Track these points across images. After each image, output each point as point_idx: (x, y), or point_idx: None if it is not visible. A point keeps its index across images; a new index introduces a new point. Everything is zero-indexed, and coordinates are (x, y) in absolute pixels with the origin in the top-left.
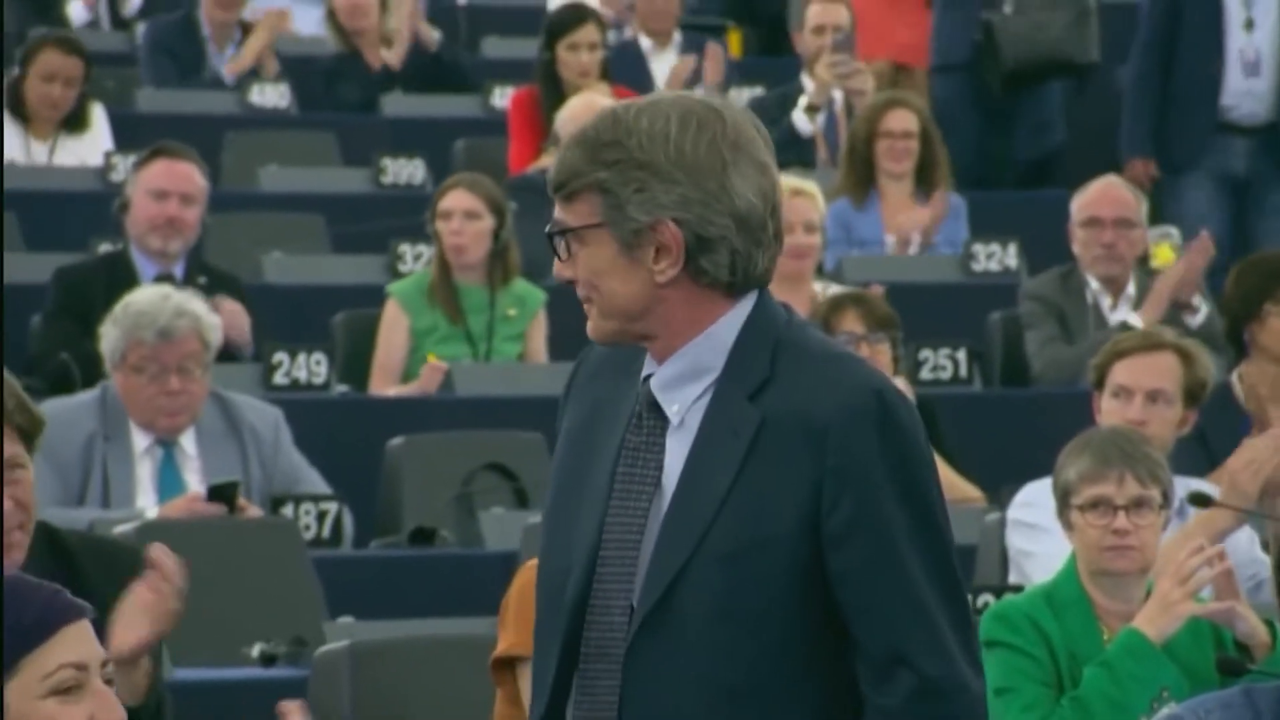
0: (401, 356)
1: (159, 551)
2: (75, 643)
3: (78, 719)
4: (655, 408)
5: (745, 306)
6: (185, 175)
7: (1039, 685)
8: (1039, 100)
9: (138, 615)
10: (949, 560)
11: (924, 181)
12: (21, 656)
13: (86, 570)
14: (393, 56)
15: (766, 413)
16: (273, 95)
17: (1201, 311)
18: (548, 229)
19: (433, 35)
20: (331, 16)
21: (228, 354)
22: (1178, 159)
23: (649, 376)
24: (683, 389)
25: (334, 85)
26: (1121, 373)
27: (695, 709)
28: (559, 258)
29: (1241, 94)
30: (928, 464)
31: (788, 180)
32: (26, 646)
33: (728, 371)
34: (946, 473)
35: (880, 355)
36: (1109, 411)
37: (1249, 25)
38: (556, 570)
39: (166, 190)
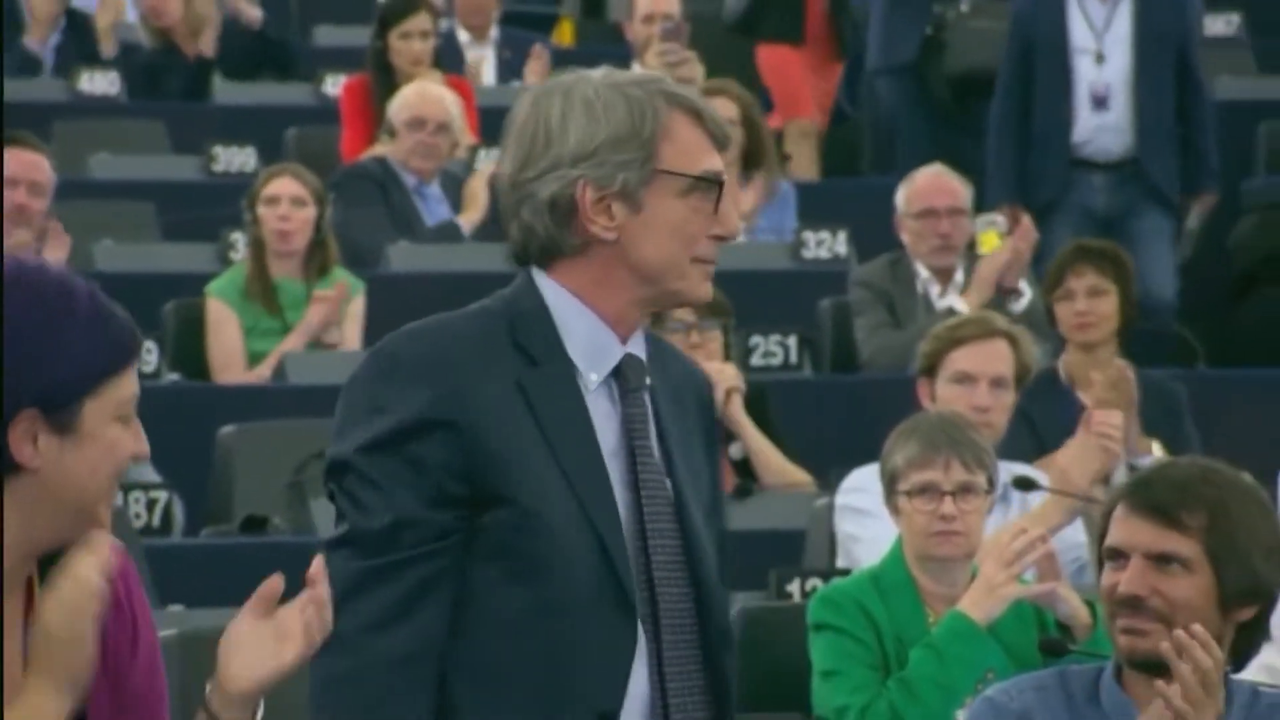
0: (239, 348)
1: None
2: (135, 375)
3: (130, 448)
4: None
5: None
6: (34, 164)
7: (865, 668)
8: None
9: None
10: None
11: (749, 167)
12: (108, 378)
13: None
14: (206, 43)
15: (671, 380)
16: (102, 83)
17: (1025, 296)
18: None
19: (255, 14)
20: (142, 14)
21: None
22: (1041, 198)
23: (626, 354)
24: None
25: (157, 78)
26: (962, 359)
27: (732, 664)
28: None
29: (1093, 129)
30: None
31: None
32: (114, 369)
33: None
34: (777, 458)
35: (711, 343)
36: (951, 398)
37: (1099, 58)
38: (581, 561)
39: (15, 178)
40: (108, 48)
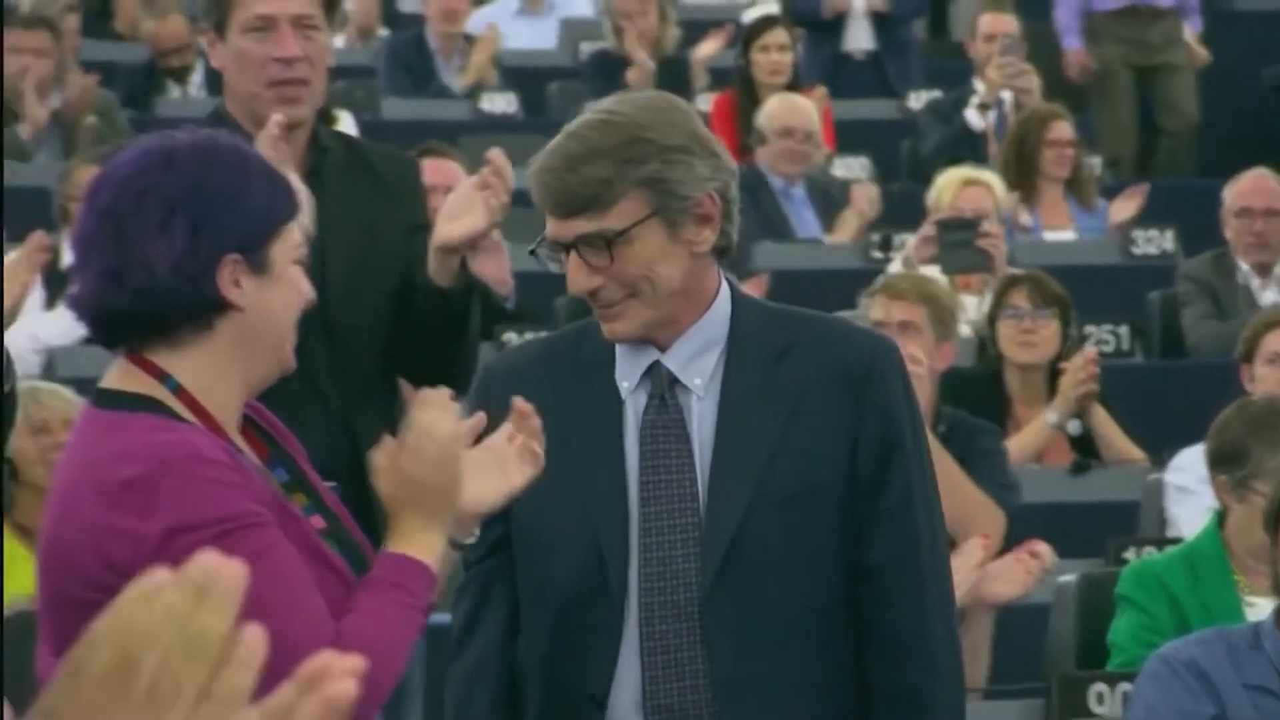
0: None
1: (494, 152)
2: (299, 226)
3: (308, 288)
4: (674, 385)
5: (721, 276)
6: (450, 172)
7: (1141, 647)
8: None
9: (467, 207)
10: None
11: (1074, 183)
12: (286, 222)
13: (382, 173)
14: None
15: (800, 372)
16: (500, 102)
17: None
18: (571, 241)
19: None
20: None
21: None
22: None
23: (654, 363)
24: (698, 362)
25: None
26: (1275, 341)
27: (777, 653)
28: (587, 266)
29: None
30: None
31: (962, 171)
32: (290, 214)
33: (739, 340)
34: (1119, 437)
35: (1044, 329)
36: (1266, 375)
37: None
38: (577, 554)
39: (434, 185)
40: (490, 78)
